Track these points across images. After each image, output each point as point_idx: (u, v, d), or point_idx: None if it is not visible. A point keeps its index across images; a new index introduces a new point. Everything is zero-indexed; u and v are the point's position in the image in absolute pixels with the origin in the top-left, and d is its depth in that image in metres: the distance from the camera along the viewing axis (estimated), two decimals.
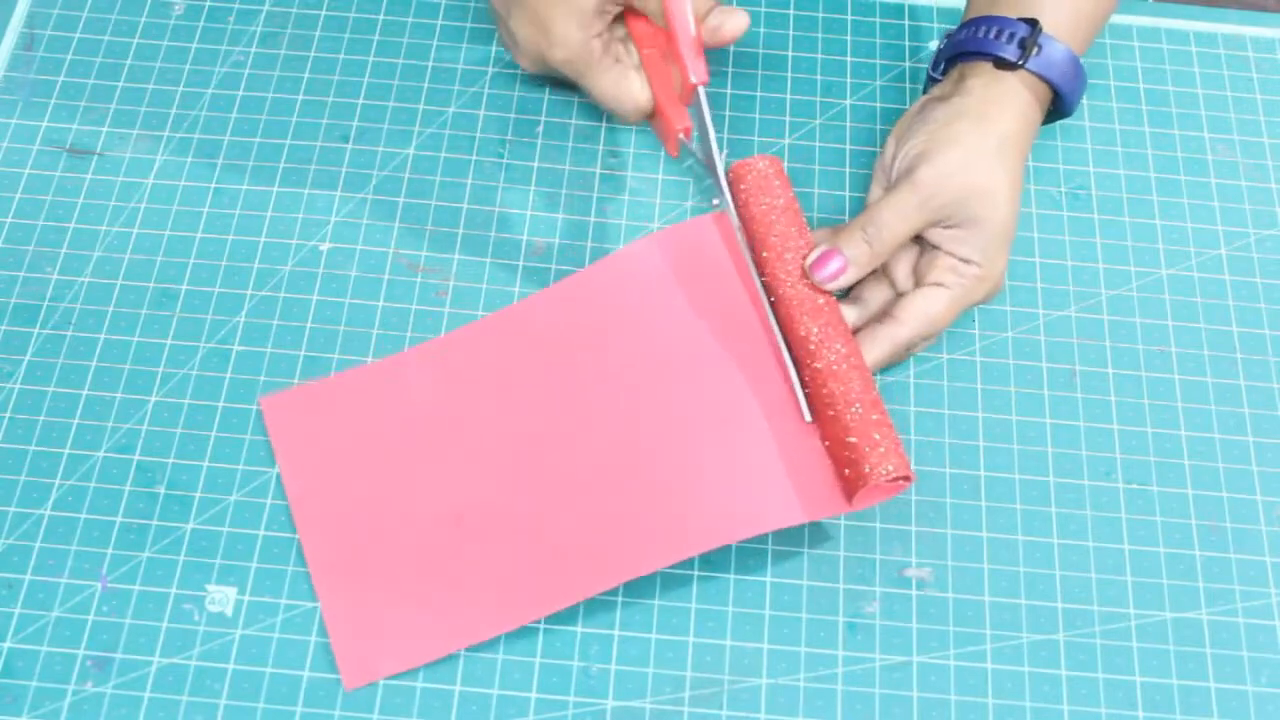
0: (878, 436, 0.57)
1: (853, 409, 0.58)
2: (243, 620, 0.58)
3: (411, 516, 0.60)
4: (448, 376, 0.63)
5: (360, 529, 0.60)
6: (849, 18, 0.76)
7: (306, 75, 0.72)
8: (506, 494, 0.60)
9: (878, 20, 0.76)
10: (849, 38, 0.75)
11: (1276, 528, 0.62)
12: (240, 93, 0.72)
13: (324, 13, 0.75)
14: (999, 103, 0.63)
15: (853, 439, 0.58)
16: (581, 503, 0.60)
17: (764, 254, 0.63)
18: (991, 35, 0.64)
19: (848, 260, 0.61)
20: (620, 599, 0.59)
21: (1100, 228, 0.70)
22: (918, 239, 0.64)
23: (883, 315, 0.62)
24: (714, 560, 0.60)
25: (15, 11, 0.74)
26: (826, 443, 0.59)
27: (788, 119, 0.72)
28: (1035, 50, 0.63)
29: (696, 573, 0.60)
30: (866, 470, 0.57)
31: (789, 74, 0.74)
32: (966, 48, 0.65)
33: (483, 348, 0.64)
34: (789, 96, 0.73)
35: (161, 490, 0.61)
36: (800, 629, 0.59)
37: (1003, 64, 0.63)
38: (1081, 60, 0.65)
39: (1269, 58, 0.75)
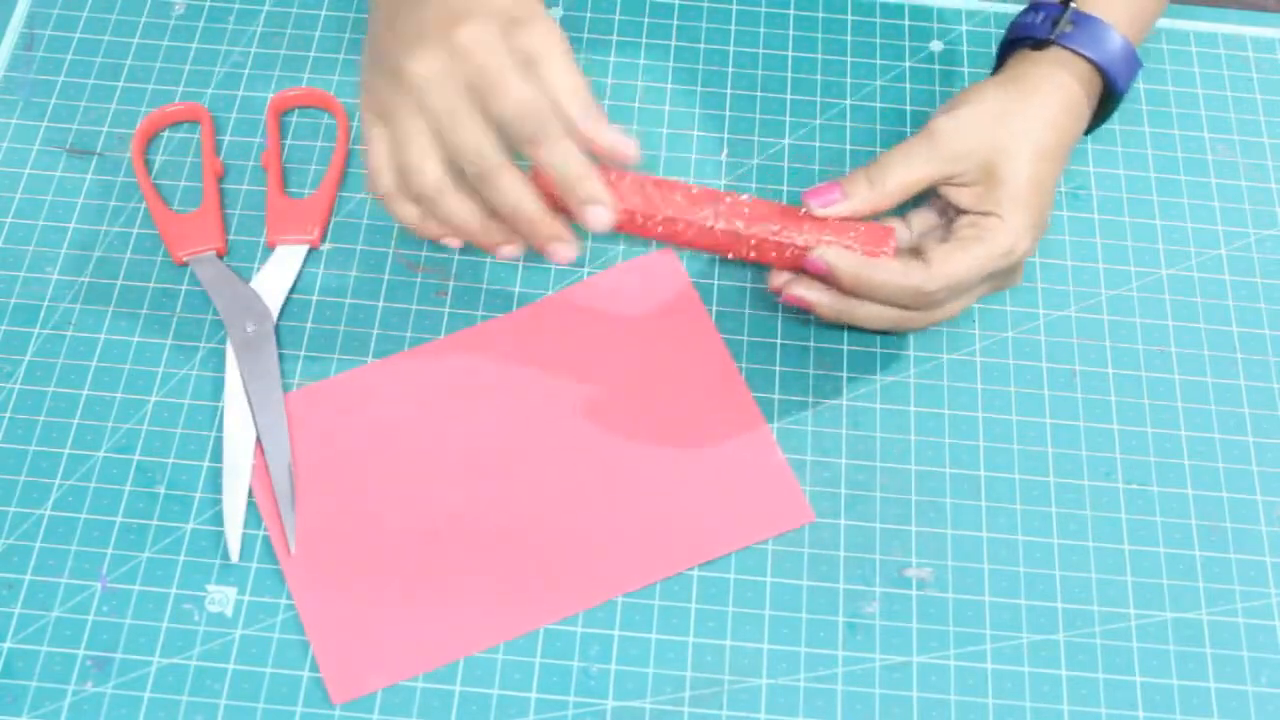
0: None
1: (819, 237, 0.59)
2: (243, 620, 0.58)
3: (391, 530, 0.60)
4: (428, 388, 0.63)
5: (339, 542, 0.60)
6: (849, 18, 0.76)
7: (306, 75, 0.72)
8: (484, 509, 0.61)
9: (878, 20, 0.76)
10: (849, 38, 0.75)
11: (1276, 528, 0.62)
12: (240, 93, 0.72)
13: (324, 13, 0.75)
14: (1031, 78, 0.62)
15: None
16: (560, 520, 0.60)
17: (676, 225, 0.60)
18: (1031, 18, 0.64)
19: (845, 194, 0.60)
20: (620, 599, 0.59)
21: (1100, 228, 0.70)
22: (940, 210, 0.62)
23: None
24: (714, 560, 0.60)
25: (15, 11, 0.74)
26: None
27: (788, 119, 0.72)
28: (1068, 27, 0.62)
29: (697, 573, 0.60)
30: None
31: (789, 74, 0.74)
32: (1011, 35, 0.64)
33: (464, 360, 0.64)
34: (789, 97, 0.73)
35: (161, 490, 0.61)
36: (800, 629, 0.59)
37: (1039, 45, 0.63)
38: (1136, 47, 0.63)
39: (1269, 58, 0.75)
